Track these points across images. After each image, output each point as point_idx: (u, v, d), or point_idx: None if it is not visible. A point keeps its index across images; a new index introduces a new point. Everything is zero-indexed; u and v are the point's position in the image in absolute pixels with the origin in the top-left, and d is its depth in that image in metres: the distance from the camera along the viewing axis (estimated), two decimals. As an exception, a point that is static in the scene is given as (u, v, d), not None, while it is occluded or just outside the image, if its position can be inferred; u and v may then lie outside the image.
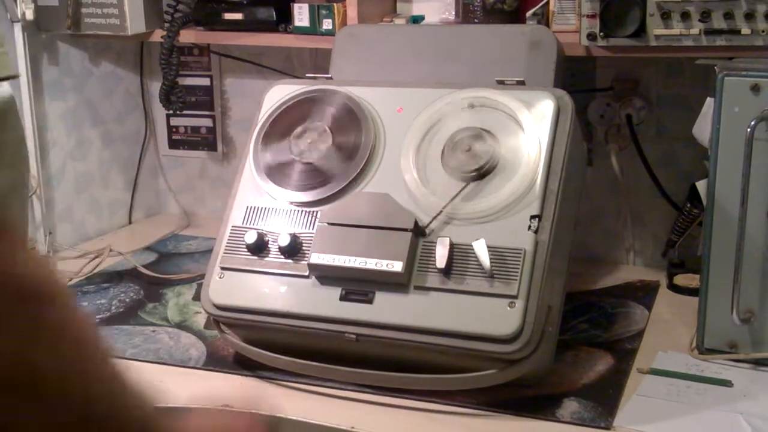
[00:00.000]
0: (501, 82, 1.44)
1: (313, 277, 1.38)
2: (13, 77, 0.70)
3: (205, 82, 2.14)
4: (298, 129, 1.48)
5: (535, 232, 1.31)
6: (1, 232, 0.67)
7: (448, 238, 1.33)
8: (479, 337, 1.28)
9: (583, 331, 1.56)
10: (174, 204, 2.26)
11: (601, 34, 1.53)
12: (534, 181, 1.34)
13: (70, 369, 0.70)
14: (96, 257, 1.91)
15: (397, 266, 1.32)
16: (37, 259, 0.71)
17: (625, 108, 1.77)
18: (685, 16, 1.49)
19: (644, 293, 1.71)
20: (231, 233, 1.45)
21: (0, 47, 1.26)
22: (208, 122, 2.16)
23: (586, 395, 1.34)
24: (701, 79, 1.64)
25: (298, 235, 1.40)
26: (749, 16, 1.46)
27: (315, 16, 1.76)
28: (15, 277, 0.66)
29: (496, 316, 1.28)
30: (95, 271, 1.87)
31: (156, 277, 1.84)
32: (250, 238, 1.41)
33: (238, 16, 1.83)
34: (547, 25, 1.66)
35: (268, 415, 1.12)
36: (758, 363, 1.41)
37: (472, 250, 1.31)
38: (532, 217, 1.32)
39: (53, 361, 0.69)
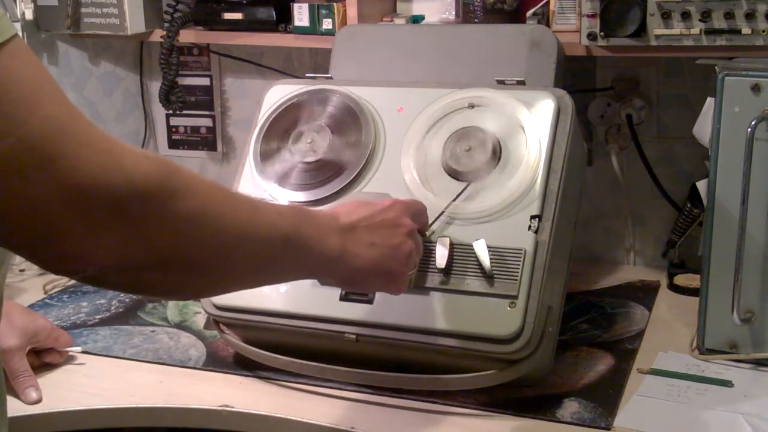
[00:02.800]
0: (501, 82, 1.44)
1: (313, 277, 1.38)
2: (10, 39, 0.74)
3: (205, 81, 2.14)
4: (298, 129, 1.48)
5: (535, 232, 1.31)
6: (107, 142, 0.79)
7: (448, 238, 1.33)
8: (479, 338, 1.28)
9: (584, 331, 1.55)
10: (174, 204, 2.26)
11: (602, 33, 1.53)
12: (534, 181, 1.34)
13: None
14: (96, 257, 1.91)
15: (397, 266, 1.32)
16: (144, 160, 0.80)
17: (625, 108, 1.77)
18: (686, 15, 1.48)
19: (644, 293, 1.71)
20: (231, 233, 1.45)
21: None
22: (207, 122, 2.16)
23: (586, 395, 1.34)
24: (701, 79, 1.64)
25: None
26: (749, 16, 1.45)
27: (315, 16, 1.76)
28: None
29: (496, 317, 1.28)
30: (95, 271, 1.87)
31: (156, 277, 1.83)
32: (250, 238, 1.41)
33: (238, 15, 1.83)
34: (548, 24, 1.66)
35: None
36: (759, 363, 1.41)
37: (472, 250, 1.31)
38: (532, 217, 1.32)
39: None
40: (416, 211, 1.21)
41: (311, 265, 1.03)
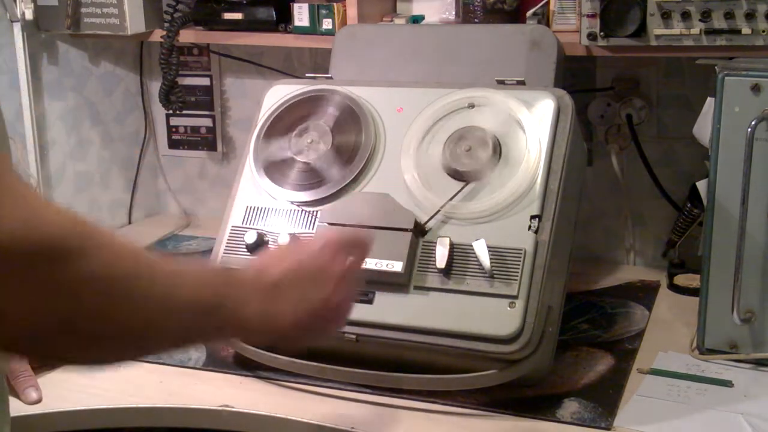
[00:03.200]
0: (501, 82, 1.44)
1: (313, 277, 1.38)
2: None
3: (205, 82, 2.14)
4: (298, 129, 1.48)
5: (535, 232, 1.31)
6: (19, 196, 0.71)
7: (448, 238, 1.33)
8: (479, 338, 1.28)
9: (583, 331, 1.55)
10: (174, 204, 2.26)
11: (602, 33, 1.53)
12: (534, 181, 1.34)
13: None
14: (96, 257, 1.91)
15: (397, 266, 1.32)
16: (59, 215, 0.75)
17: (625, 108, 1.77)
18: (686, 15, 1.48)
19: (644, 293, 1.71)
20: (231, 233, 1.45)
21: None
22: (207, 122, 2.16)
23: (587, 395, 1.34)
24: (701, 79, 1.64)
25: (298, 235, 1.40)
26: (749, 16, 1.45)
27: (315, 16, 1.76)
28: (30, 238, 0.71)
29: (496, 317, 1.28)
30: (95, 271, 1.87)
31: (156, 277, 1.83)
32: (250, 238, 1.41)
33: (238, 15, 1.83)
34: (548, 24, 1.66)
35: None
36: (759, 363, 1.41)
37: (472, 250, 1.31)
38: (532, 217, 1.32)
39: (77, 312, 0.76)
40: (352, 243, 1.08)
41: (235, 332, 0.99)
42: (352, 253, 1.06)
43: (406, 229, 1.34)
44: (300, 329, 0.98)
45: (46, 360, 1.18)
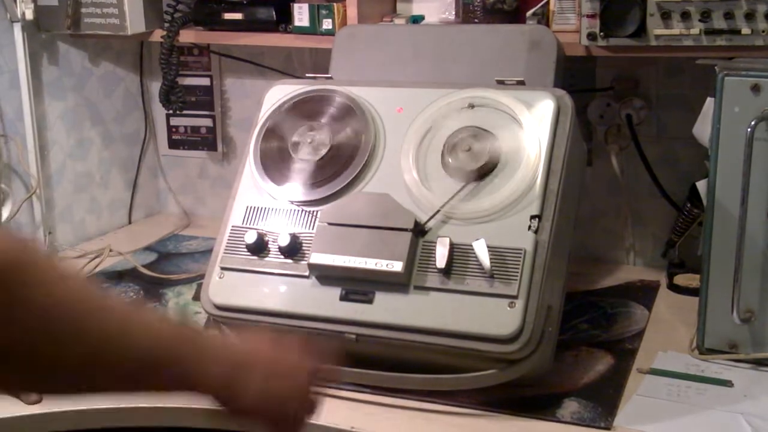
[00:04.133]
0: (501, 82, 1.44)
1: (313, 277, 1.38)
2: None
3: (205, 82, 2.14)
4: (298, 129, 1.48)
5: (535, 232, 1.31)
6: None
7: (448, 238, 1.33)
8: (479, 337, 1.28)
9: (583, 331, 1.56)
10: (174, 204, 2.26)
11: (601, 34, 1.53)
12: (534, 181, 1.34)
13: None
14: (96, 257, 1.91)
15: (397, 266, 1.32)
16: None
17: (625, 108, 1.77)
18: (685, 16, 1.48)
19: (644, 293, 1.71)
20: (231, 233, 1.45)
21: None
22: (208, 122, 2.16)
23: (586, 395, 1.34)
24: (701, 79, 1.64)
25: (298, 235, 1.40)
26: (749, 16, 1.45)
27: (315, 16, 1.76)
28: None
29: (496, 316, 1.28)
30: (95, 271, 1.87)
31: (156, 277, 1.84)
32: (250, 238, 1.41)
33: (238, 16, 1.83)
34: (547, 24, 1.66)
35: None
36: (758, 363, 1.41)
37: (472, 250, 1.31)
38: (532, 217, 1.32)
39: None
40: (320, 359, 1.03)
41: (194, 390, 0.91)
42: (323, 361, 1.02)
43: (406, 229, 1.34)
44: (263, 414, 0.94)
45: None
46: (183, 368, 0.85)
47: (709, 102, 1.45)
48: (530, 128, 1.36)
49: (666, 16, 1.49)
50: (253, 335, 0.99)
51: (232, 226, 1.46)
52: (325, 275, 1.37)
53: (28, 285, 0.73)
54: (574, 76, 1.75)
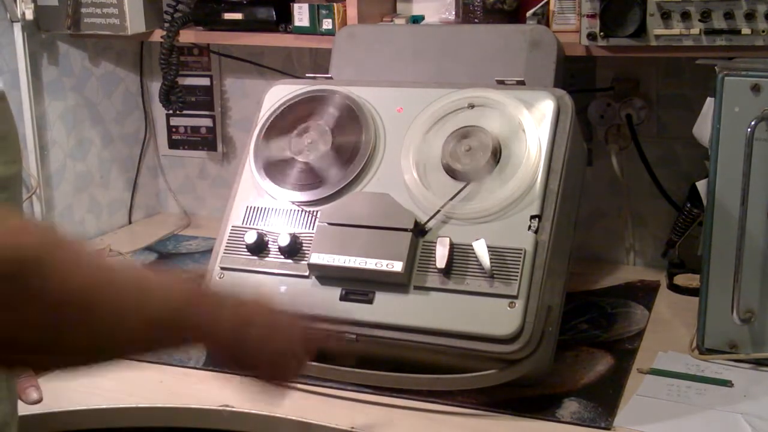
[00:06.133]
0: (501, 82, 1.44)
1: (313, 277, 1.38)
2: None
3: (205, 82, 2.14)
4: (298, 129, 1.48)
5: (535, 232, 1.31)
6: None
7: (448, 238, 1.33)
8: (479, 337, 1.28)
9: (583, 331, 1.56)
10: (174, 204, 2.26)
11: (601, 34, 1.53)
12: (534, 181, 1.34)
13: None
14: (96, 257, 1.91)
15: (397, 266, 1.32)
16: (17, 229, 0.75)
17: (625, 108, 1.77)
18: (685, 16, 1.48)
19: (644, 293, 1.71)
20: (231, 233, 1.45)
21: None
22: (208, 122, 2.16)
23: (586, 395, 1.34)
24: (701, 79, 1.64)
25: (298, 235, 1.40)
26: (749, 16, 1.46)
27: (315, 16, 1.76)
28: None
29: (496, 316, 1.28)
30: (95, 271, 1.87)
31: (156, 277, 1.83)
32: (250, 238, 1.41)
33: (238, 16, 1.83)
34: (547, 24, 1.66)
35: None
36: (758, 363, 1.41)
37: (472, 250, 1.31)
38: (532, 217, 1.32)
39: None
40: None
41: (203, 341, 0.96)
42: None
43: (406, 229, 1.34)
44: (265, 359, 1.00)
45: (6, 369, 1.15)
46: (196, 330, 0.91)
47: (709, 102, 1.45)
48: (530, 128, 1.36)
49: (666, 16, 1.49)
50: (251, 293, 1.03)
51: (232, 226, 1.46)
52: (325, 275, 1.37)
53: (47, 278, 0.74)
54: (574, 76, 1.75)
